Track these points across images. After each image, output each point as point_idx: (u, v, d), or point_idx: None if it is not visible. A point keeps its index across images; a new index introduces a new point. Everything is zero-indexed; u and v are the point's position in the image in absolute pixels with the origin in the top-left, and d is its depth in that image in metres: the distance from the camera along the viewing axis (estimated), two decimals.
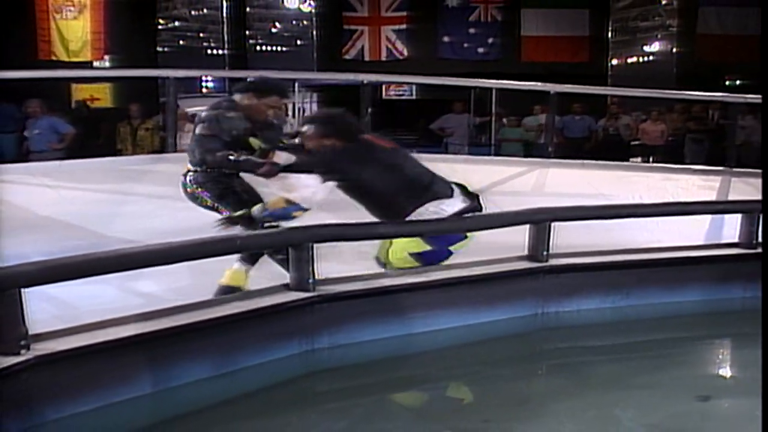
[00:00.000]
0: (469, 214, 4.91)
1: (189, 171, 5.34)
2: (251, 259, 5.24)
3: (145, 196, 7.93)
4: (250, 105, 5.25)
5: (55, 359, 3.59)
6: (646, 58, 22.82)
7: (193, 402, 3.95)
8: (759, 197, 7.98)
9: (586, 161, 10.93)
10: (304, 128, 5.06)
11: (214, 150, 5.10)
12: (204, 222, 6.19)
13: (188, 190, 5.36)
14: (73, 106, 15.34)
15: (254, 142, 5.23)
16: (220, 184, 5.26)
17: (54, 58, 16.28)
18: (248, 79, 5.81)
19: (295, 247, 4.45)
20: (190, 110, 10.88)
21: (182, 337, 4.01)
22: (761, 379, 1.90)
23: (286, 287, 4.51)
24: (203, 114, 5.25)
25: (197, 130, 5.20)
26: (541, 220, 5.18)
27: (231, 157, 5.07)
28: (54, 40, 16.33)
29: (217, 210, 5.27)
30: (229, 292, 5.00)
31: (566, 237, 5.32)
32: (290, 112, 15.82)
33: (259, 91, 5.33)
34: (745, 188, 9.18)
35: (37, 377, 3.54)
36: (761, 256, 3.01)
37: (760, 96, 7.74)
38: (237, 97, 5.30)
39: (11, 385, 3.45)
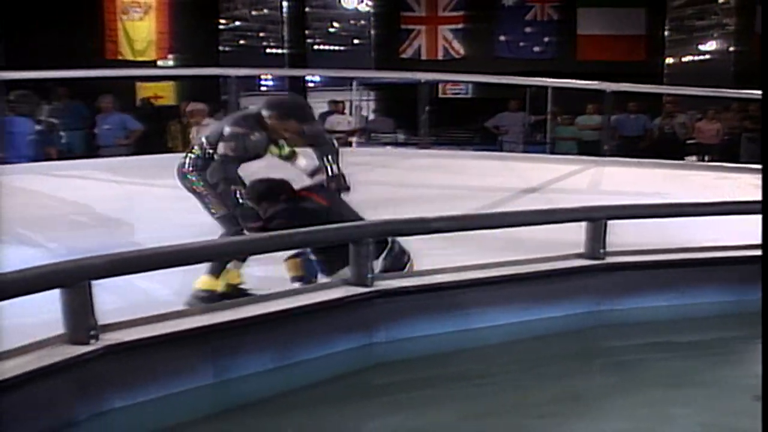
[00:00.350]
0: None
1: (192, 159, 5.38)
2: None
3: None
4: (274, 125, 5.23)
5: (122, 349, 3.65)
6: (702, 57, 22.56)
7: (253, 393, 3.98)
8: None
9: (641, 160, 10.84)
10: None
11: (232, 179, 5.11)
12: None
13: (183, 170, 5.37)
14: (137, 104, 15.52)
15: (274, 150, 5.30)
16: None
17: (120, 57, 16.47)
18: (279, 98, 5.81)
19: (356, 243, 4.47)
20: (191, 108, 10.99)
21: (243, 330, 4.05)
22: (761, 379, 1.88)
23: (345, 282, 4.53)
24: (227, 130, 5.17)
25: (221, 149, 5.14)
26: (597, 218, 5.14)
27: (238, 198, 5.08)
28: (121, 40, 16.52)
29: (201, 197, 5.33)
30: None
31: (621, 235, 5.27)
32: (347, 110, 15.87)
33: (281, 113, 5.25)
34: None
35: (105, 366, 3.60)
36: (761, 257, 2.96)
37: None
38: (264, 113, 5.24)
39: (80, 373, 3.52)
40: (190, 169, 5.28)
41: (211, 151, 5.20)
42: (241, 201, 5.04)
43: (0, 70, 11.31)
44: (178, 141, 12.56)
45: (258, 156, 5.23)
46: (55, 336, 3.59)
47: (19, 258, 5.52)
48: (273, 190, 5.06)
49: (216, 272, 5.13)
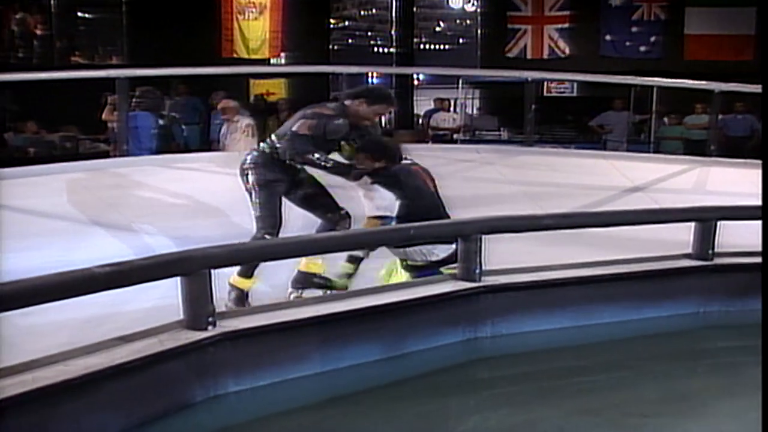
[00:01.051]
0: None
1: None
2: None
3: None
4: (358, 111, 5.28)
5: (238, 336, 3.72)
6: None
7: (362, 382, 4.00)
8: None
9: (747, 160, 10.53)
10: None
11: (303, 151, 5.11)
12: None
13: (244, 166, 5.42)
14: (251, 100, 15.77)
15: (346, 147, 5.27)
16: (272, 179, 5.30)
17: (235, 55, 16.75)
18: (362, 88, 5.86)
19: (465, 238, 4.44)
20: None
21: (354, 321, 4.08)
22: (761, 379, 1.80)
23: (453, 277, 4.51)
24: (308, 111, 5.25)
25: (295, 126, 5.20)
26: (707, 218, 5.02)
27: (319, 159, 5.10)
28: (236, 39, 16.80)
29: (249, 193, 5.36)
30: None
31: (728, 236, 5.14)
32: (452, 107, 15.82)
33: (371, 98, 5.34)
34: None
35: (222, 352, 3.67)
36: (762, 262, 2.83)
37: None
38: (348, 102, 5.31)
39: (199, 358, 3.60)
40: (251, 165, 5.36)
41: (279, 144, 5.23)
42: (326, 163, 5.09)
43: (125, 68, 11.65)
44: None
45: (332, 144, 5.25)
46: (175, 321, 3.67)
47: (143, 246, 5.67)
48: (388, 150, 5.16)
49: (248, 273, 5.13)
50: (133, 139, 9.69)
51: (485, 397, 4.08)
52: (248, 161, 5.36)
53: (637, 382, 4.35)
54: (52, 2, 16.18)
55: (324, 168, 5.15)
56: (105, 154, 9.91)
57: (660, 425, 3.74)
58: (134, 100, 10.20)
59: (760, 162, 10.47)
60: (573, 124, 15.80)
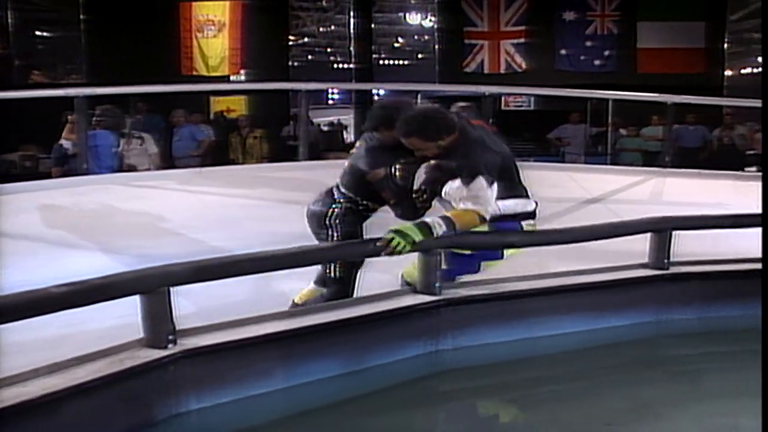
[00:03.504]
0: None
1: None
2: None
3: (279, 201, 8.04)
4: (389, 137, 4.67)
5: (198, 353, 3.66)
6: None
7: (323, 398, 3.96)
8: None
9: (701, 171, 10.65)
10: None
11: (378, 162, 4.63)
12: None
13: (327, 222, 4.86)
14: (212, 117, 15.71)
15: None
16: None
17: (195, 73, 16.70)
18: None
19: (425, 252, 4.42)
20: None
21: (315, 336, 4.03)
22: (761, 379, 1.80)
23: (414, 290, 4.49)
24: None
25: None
26: (662, 229, 5.05)
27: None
28: (195, 57, 16.75)
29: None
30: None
31: (682, 245, 5.17)
32: None
33: (387, 122, 4.68)
34: None
35: (183, 370, 3.61)
36: (761, 259, 2.86)
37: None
38: (377, 135, 4.77)
39: (159, 376, 3.54)
40: (336, 222, 4.83)
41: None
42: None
43: (84, 86, 11.56)
44: (238, 152, 12.78)
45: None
46: (134, 340, 3.62)
47: (101, 265, 5.59)
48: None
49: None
50: (93, 158, 9.59)
51: (449, 410, 4.07)
52: (333, 216, 4.85)
53: (600, 392, 4.35)
54: (9, 21, 16.03)
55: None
56: (64, 174, 9.78)
57: None
58: (94, 118, 10.09)
59: (712, 172, 10.64)
60: (531, 138, 15.88)
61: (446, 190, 4.49)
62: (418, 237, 4.22)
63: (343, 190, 4.82)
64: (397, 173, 4.57)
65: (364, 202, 4.80)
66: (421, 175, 4.65)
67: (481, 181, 4.30)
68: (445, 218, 4.35)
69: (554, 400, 4.18)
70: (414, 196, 4.62)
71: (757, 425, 3.73)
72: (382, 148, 4.67)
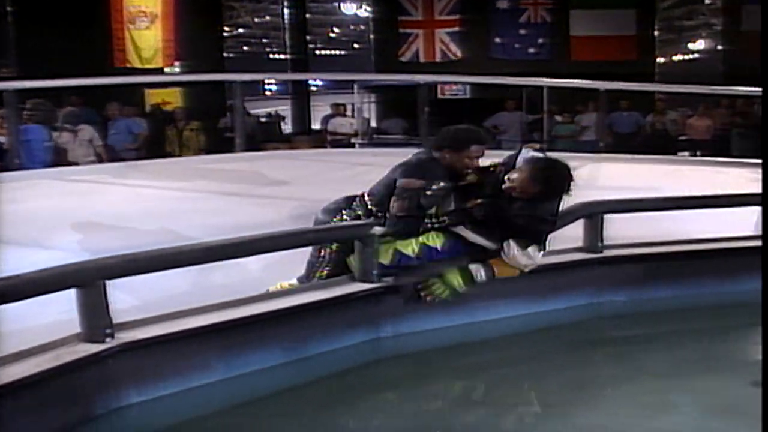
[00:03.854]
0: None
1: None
2: None
3: (216, 193, 8.00)
4: (450, 163, 4.59)
5: (137, 347, 3.65)
6: (691, 56, 22.56)
7: (266, 387, 3.96)
8: None
9: (635, 155, 10.83)
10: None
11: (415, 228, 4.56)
12: (272, 219, 6.25)
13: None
14: (147, 110, 15.54)
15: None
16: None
17: (128, 65, 16.46)
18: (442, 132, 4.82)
19: (362, 240, 4.44)
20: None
21: (255, 326, 4.04)
22: (761, 378, 1.86)
23: (351, 278, 4.51)
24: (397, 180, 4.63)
25: (392, 207, 4.58)
26: (594, 213, 5.13)
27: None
28: (128, 49, 16.51)
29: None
30: None
31: (618, 229, 5.25)
32: (349, 112, 15.84)
33: (454, 144, 4.61)
34: None
35: (121, 363, 3.60)
36: (762, 252, 2.95)
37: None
38: (436, 155, 4.63)
39: (98, 370, 3.52)
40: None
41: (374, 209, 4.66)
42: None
43: (14, 80, 11.35)
44: (174, 144, 12.68)
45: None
46: (72, 335, 3.59)
47: (35, 260, 5.51)
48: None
49: None
50: (25, 153, 9.44)
51: (391, 396, 4.08)
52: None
53: (540, 374, 4.42)
54: None
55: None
56: None
57: (563, 414, 3.80)
58: (25, 112, 9.93)
59: (645, 157, 10.83)
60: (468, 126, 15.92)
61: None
62: (460, 286, 4.38)
63: (366, 199, 4.71)
64: (429, 192, 4.47)
65: (380, 214, 4.62)
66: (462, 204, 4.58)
67: (535, 252, 4.44)
68: (486, 266, 4.45)
69: (495, 384, 4.24)
70: (433, 219, 4.58)
71: (689, 401, 3.85)
72: (432, 165, 4.59)
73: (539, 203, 4.47)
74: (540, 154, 4.72)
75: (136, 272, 3.78)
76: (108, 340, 3.58)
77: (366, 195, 4.73)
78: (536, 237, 4.48)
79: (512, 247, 4.42)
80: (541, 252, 4.49)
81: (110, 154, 11.62)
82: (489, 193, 4.51)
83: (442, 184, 4.47)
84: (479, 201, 4.50)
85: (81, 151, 11.07)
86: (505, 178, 4.46)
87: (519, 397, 4.12)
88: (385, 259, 4.54)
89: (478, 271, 4.43)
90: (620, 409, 3.82)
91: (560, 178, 4.49)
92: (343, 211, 4.72)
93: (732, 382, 4.10)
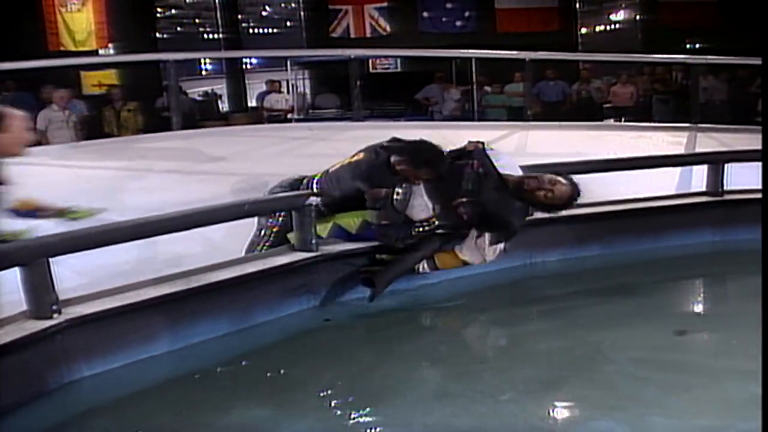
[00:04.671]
0: None
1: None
2: None
3: (155, 171, 7.91)
4: (403, 172, 4.58)
5: (84, 321, 3.63)
6: (612, 26, 22.82)
7: (214, 356, 3.97)
8: (723, 149, 8.05)
9: (562, 123, 10.95)
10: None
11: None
12: (213, 194, 6.20)
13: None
14: (84, 92, 15.27)
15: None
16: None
17: (62, 48, 16.15)
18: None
19: (298, 210, 4.45)
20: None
21: (199, 297, 4.04)
22: (761, 377, 1.92)
23: (291, 248, 4.52)
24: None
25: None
26: None
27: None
28: (61, 32, 16.20)
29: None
30: None
31: None
32: (284, 89, 15.75)
33: (415, 161, 4.56)
34: (710, 142, 9.23)
35: (70, 338, 3.58)
36: (761, 246, 3.05)
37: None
38: (393, 159, 4.61)
39: (47, 346, 3.50)
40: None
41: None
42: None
43: None
44: (113, 125, 12.51)
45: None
46: (18, 313, 3.56)
47: None
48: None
49: None
50: None
51: (334, 360, 4.10)
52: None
53: (474, 333, 4.50)
54: None
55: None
56: None
57: (498, 369, 3.86)
58: None
59: (572, 124, 10.95)
60: (400, 98, 15.97)
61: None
62: None
63: (315, 189, 4.67)
64: (396, 197, 4.53)
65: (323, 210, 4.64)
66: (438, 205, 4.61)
67: (500, 247, 4.55)
68: (430, 260, 4.62)
69: (435, 345, 4.29)
70: (419, 224, 4.60)
71: (618, 351, 3.95)
72: (384, 171, 4.59)
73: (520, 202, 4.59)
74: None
75: (78, 249, 3.74)
76: (55, 316, 3.56)
77: (315, 185, 4.70)
78: (511, 233, 4.62)
79: (485, 240, 4.54)
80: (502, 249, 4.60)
81: (47, 137, 11.41)
82: (474, 189, 4.56)
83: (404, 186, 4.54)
84: (464, 199, 4.54)
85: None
86: (542, 192, 4.57)
87: (458, 356, 4.17)
88: (323, 232, 4.58)
89: (422, 264, 4.59)
90: (553, 363, 3.90)
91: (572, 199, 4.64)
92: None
93: (658, 334, 4.21)
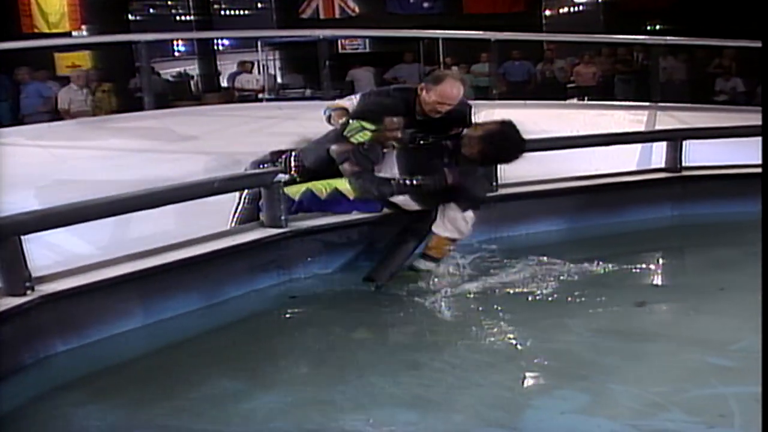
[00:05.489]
0: None
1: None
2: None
3: (129, 151, 7.84)
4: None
5: (58, 298, 3.60)
6: (576, 8, 22.90)
7: (186, 331, 3.96)
8: (681, 127, 8.12)
9: (527, 102, 10.97)
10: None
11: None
12: (187, 171, 6.17)
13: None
14: (58, 73, 15.08)
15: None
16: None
17: (36, 30, 15.94)
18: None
19: (267, 187, 4.43)
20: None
21: (171, 273, 4.01)
22: (761, 376, 1.94)
23: (261, 224, 4.50)
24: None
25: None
26: None
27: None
28: (35, 14, 15.98)
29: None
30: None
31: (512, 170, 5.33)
32: (255, 69, 15.65)
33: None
34: (669, 120, 9.30)
35: (44, 314, 3.55)
36: (761, 243, 3.08)
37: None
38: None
39: (21, 322, 3.47)
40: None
41: None
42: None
43: None
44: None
45: None
46: None
47: None
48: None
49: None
50: None
51: (302, 334, 4.09)
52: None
53: (441, 305, 4.46)
54: None
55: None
56: None
57: (463, 342, 3.85)
58: None
59: (537, 102, 10.98)
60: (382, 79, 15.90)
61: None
62: None
63: (292, 162, 4.66)
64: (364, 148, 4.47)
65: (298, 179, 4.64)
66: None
67: (471, 217, 4.53)
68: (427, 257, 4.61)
69: (402, 319, 4.26)
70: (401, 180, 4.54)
71: (580, 323, 3.97)
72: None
73: (484, 166, 4.53)
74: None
75: (49, 227, 3.72)
76: (29, 292, 3.53)
77: (293, 158, 4.68)
78: (478, 201, 4.57)
79: (454, 210, 4.50)
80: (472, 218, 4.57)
81: (21, 118, 11.32)
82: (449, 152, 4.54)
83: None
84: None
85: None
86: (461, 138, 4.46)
87: (403, 334, 4.17)
88: (295, 194, 4.56)
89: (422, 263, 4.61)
90: (520, 334, 3.91)
91: (515, 143, 4.49)
92: (265, 166, 4.72)
93: (619, 305, 4.24)
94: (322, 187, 4.59)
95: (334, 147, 4.53)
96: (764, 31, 2.91)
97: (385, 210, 4.73)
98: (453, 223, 4.53)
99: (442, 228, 4.57)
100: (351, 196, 4.58)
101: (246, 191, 4.75)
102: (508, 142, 4.48)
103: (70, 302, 3.65)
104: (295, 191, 4.58)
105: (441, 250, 4.63)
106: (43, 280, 3.64)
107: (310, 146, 4.71)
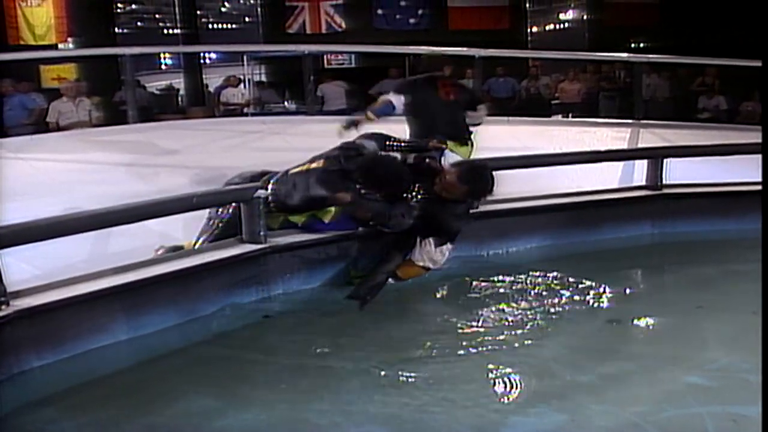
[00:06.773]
0: None
1: None
2: None
3: (111, 165, 7.79)
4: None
5: (33, 313, 3.57)
6: (561, 25, 23.01)
7: (163, 346, 3.93)
8: (661, 145, 8.16)
9: (511, 118, 10.98)
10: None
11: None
12: (165, 187, 6.14)
13: None
14: (44, 86, 15.03)
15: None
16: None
17: (22, 42, 15.90)
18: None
19: (246, 202, 4.41)
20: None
21: (149, 289, 3.99)
22: (761, 376, 1.93)
23: (240, 240, 4.48)
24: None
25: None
26: None
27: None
28: (21, 26, 15.94)
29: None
30: None
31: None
32: (240, 83, 15.62)
33: (373, 185, 4.49)
34: (652, 137, 9.34)
35: (19, 330, 3.53)
36: (761, 245, 3.06)
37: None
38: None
39: None
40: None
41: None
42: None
43: None
44: None
45: None
46: None
47: None
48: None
49: None
50: None
51: (279, 351, 4.06)
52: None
53: (419, 323, 4.46)
54: None
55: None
56: None
57: (440, 358, 3.84)
58: None
59: (521, 119, 10.99)
60: (354, 94, 15.89)
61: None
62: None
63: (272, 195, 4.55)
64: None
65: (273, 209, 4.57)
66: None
67: (448, 248, 4.57)
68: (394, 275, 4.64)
69: (382, 335, 4.25)
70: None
71: (557, 342, 3.96)
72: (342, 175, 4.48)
73: (460, 203, 4.56)
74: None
75: (27, 241, 3.68)
76: (3, 307, 3.50)
77: (271, 186, 4.56)
78: (453, 235, 4.59)
79: (431, 244, 4.53)
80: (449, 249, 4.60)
81: (4, 131, 11.23)
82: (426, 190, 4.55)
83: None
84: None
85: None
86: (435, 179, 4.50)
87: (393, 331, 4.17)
88: (275, 224, 4.56)
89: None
90: (497, 357, 3.89)
91: (485, 183, 4.51)
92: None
93: (596, 323, 4.25)
94: (299, 217, 4.61)
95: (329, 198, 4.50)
96: (764, 48, 2.93)
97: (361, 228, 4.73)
98: (428, 255, 4.57)
99: (418, 257, 4.60)
100: (326, 219, 4.60)
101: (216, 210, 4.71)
102: (481, 184, 4.51)
103: (46, 317, 3.63)
104: (273, 221, 4.58)
105: (411, 274, 4.67)
106: (18, 295, 3.61)
107: (293, 182, 4.56)
